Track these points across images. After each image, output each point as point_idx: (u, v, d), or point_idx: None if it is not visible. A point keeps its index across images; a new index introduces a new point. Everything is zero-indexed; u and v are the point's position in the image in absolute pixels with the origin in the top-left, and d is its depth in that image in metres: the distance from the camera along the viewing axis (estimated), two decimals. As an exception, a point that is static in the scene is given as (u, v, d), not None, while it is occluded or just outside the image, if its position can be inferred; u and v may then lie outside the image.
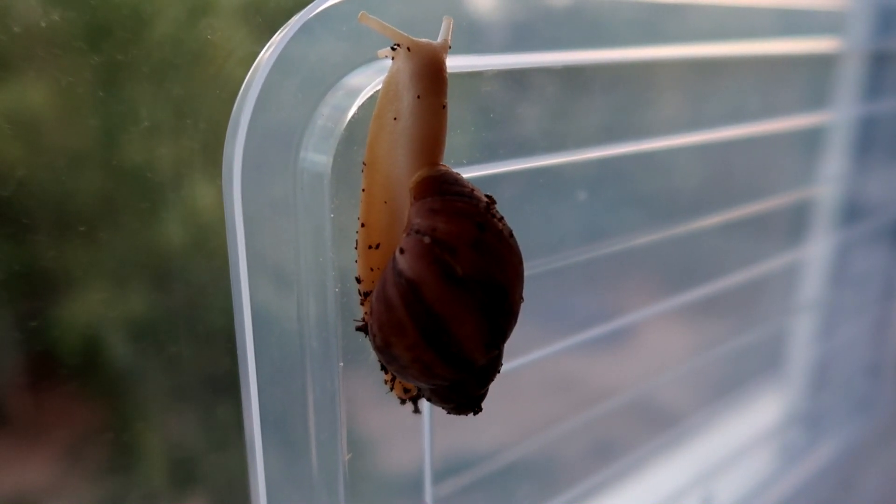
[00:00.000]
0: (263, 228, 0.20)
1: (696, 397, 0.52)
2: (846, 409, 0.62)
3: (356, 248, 0.20)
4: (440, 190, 0.19)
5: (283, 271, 0.21)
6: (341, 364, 0.21)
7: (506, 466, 0.35)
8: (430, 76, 0.19)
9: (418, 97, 0.19)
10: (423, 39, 0.19)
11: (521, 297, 0.19)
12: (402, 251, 0.18)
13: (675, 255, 0.41)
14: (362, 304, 0.21)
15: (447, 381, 0.19)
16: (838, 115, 0.50)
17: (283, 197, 0.21)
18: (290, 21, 0.20)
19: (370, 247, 0.20)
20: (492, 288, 0.18)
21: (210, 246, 0.38)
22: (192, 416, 0.42)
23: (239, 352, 0.21)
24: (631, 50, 0.31)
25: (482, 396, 0.20)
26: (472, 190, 0.19)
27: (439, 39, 0.20)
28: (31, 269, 0.36)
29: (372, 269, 0.20)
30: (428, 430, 0.25)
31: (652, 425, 0.49)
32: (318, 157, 0.21)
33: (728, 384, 0.54)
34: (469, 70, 0.24)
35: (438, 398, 0.19)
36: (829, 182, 0.54)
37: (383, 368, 0.22)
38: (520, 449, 0.35)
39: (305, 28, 0.19)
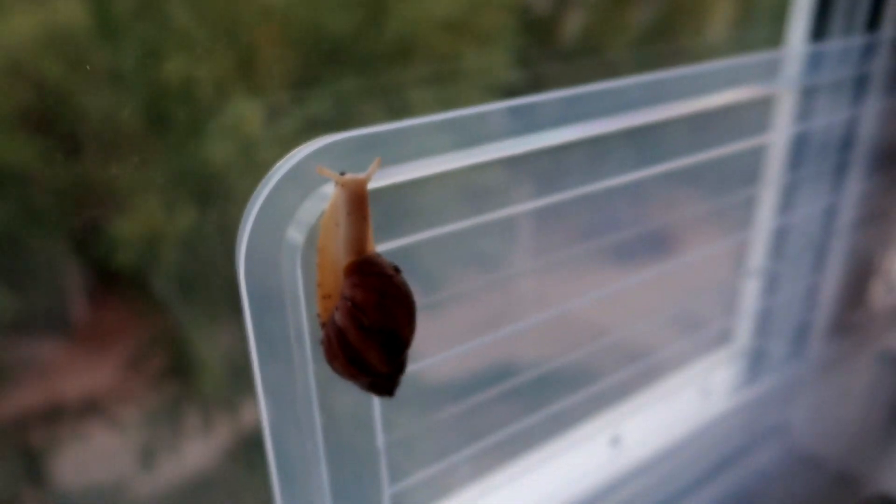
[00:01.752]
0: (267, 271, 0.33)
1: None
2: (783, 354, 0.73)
3: (317, 294, 0.34)
4: (359, 271, 0.31)
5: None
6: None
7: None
8: (354, 201, 0.31)
9: (348, 213, 0.31)
10: (350, 176, 0.31)
11: (413, 332, 0.32)
12: (337, 309, 0.31)
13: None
14: (322, 326, 0.34)
15: (367, 381, 0.32)
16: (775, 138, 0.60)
17: (275, 262, 0.33)
18: (289, 155, 0.32)
19: (325, 296, 0.33)
20: (388, 332, 0.31)
21: (253, 161, 0.39)
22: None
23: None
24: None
25: (393, 387, 0.33)
26: (382, 268, 0.32)
27: (364, 174, 0.32)
28: (85, 185, 0.37)
29: (327, 309, 0.33)
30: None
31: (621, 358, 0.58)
32: (297, 235, 0.33)
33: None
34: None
35: (367, 389, 0.33)
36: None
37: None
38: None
39: (293, 168, 0.32)
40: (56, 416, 0.41)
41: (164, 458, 0.45)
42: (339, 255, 0.32)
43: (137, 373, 0.42)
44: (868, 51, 0.59)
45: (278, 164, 0.33)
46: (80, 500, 0.43)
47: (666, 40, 0.56)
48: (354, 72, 0.41)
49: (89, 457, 0.43)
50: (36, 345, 0.39)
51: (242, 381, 0.39)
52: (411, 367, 0.34)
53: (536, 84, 0.51)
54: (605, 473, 0.60)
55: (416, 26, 0.44)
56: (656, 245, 0.61)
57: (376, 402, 0.39)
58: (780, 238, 0.68)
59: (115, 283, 0.40)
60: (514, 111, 0.39)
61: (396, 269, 0.32)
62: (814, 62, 0.56)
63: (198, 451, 0.46)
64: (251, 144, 0.37)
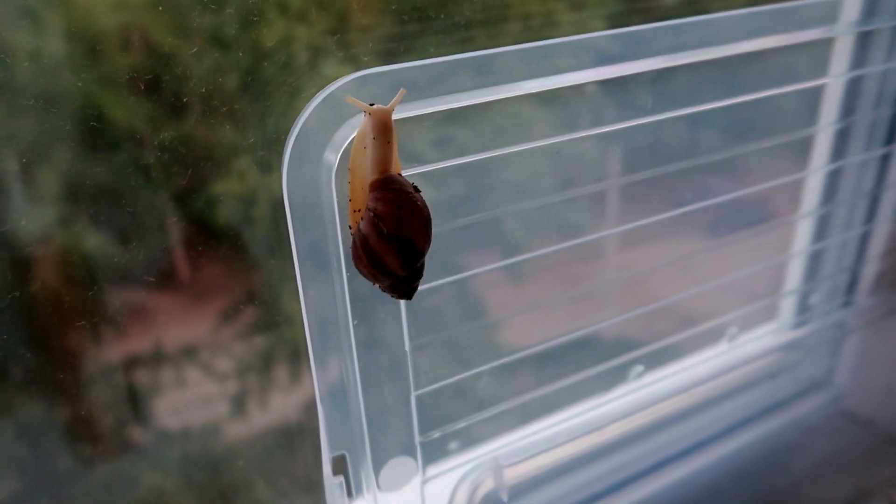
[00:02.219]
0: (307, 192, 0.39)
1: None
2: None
3: (349, 208, 0.39)
4: (382, 187, 0.36)
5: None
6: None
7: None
8: (379, 128, 0.36)
9: (374, 138, 0.36)
10: (377, 106, 0.36)
11: (427, 243, 0.37)
12: (363, 219, 0.37)
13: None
14: (351, 230, 0.39)
15: (388, 282, 0.38)
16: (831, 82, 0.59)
17: (314, 180, 0.39)
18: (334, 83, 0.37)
19: (355, 210, 0.38)
20: (404, 240, 0.36)
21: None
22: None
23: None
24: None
25: (412, 290, 0.38)
26: (402, 185, 0.36)
27: (389, 104, 0.36)
28: (187, 145, 0.39)
29: (355, 219, 0.38)
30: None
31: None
32: (330, 157, 0.39)
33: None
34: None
35: (388, 290, 0.38)
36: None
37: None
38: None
39: (329, 97, 0.37)
40: (158, 361, 0.44)
41: (253, 406, 0.48)
42: (366, 174, 0.37)
43: (231, 325, 0.45)
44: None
45: (317, 94, 0.38)
46: (178, 439, 0.47)
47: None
48: (445, 36, 0.42)
49: (186, 401, 0.46)
50: (140, 294, 0.41)
51: (329, 337, 0.43)
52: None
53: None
54: (638, 418, 0.62)
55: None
56: (746, 212, 0.62)
57: (403, 312, 0.45)
58: (832, 185, 0.68)
59: (213, 238, 0.42)
60: (562, 47, 0.42)
61: (415, 188, 0.37)
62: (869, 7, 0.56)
63: (284, 401, 0.49)
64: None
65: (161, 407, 0.46)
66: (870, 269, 0.71)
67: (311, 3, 0.37)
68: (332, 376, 0.42)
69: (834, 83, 0.62)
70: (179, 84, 0.37)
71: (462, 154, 0.43)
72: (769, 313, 0.72)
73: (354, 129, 0.38)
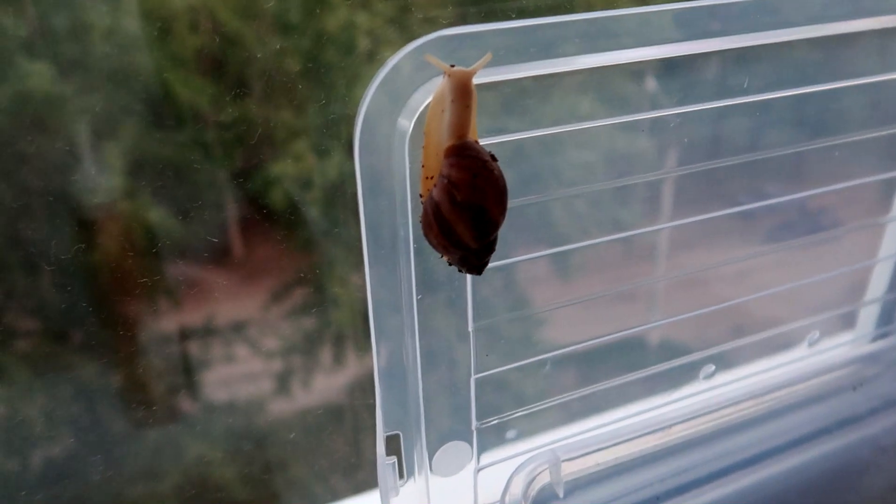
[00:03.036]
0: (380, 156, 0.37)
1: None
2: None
3: (420, 175, 0.38)
4: (457, 153, 0.35)
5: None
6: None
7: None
8: (459, 90, 0.35)
9: (452, 101, 0.35)
10: (458, 68, 0.35)
11: (502, 214, 0.35)
12: (435, 186, 0.35)
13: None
14: (422, 197, 0.37)
15: (458, 255, 0.36)
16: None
17: (387, 146, 0.38)
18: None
19: (427, 177, 0.37)
20: (477, 208, 0.34)
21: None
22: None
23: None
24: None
25: (482, 265, 0.37)
26: (479, 152, 0.35)
27: (472, 67, 0.35)
28: (248, 125, 0.39)
29: (427, 186, 0.37)
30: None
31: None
32: (404, 122, 0.37)
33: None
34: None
35: (457, 263, 0.37)
36: None
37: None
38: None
39: (406, 58, 0.36)
40: (210, 336, 0.45)
41: (298, 385, 0.49)
42: (441, 138, 0.35)
43: (280, 305, 0.46)
44: None
45: (393, 56, 0.36)
46: (224, 412, 0.48)
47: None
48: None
49: (234, 376, 0.47)
50: (197, 269, 0.43)
51: (392, 313, 0.42)
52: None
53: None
54: (703, 421, 0.59)
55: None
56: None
57: (469, 286, 0.43)
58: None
59: (269, 219, 0.43)
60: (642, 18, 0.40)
61: (493, 157, 0.36)
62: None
63: (327, 382, 0.50)
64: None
65: (210, 379, 0.47)
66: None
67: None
68: (392, 352, 0.41)
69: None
70: (244, 67, 0.38)
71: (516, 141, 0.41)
72: (847, 322, 0.68)
73: (430, 94, 0.36)
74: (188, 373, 0.46)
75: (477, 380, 0.45)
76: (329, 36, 0.39)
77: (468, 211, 0.34)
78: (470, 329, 0.43)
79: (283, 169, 0.41)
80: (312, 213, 0.43)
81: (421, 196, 0.37)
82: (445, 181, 0.34)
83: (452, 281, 0.42)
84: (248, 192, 0.41)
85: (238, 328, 0.46)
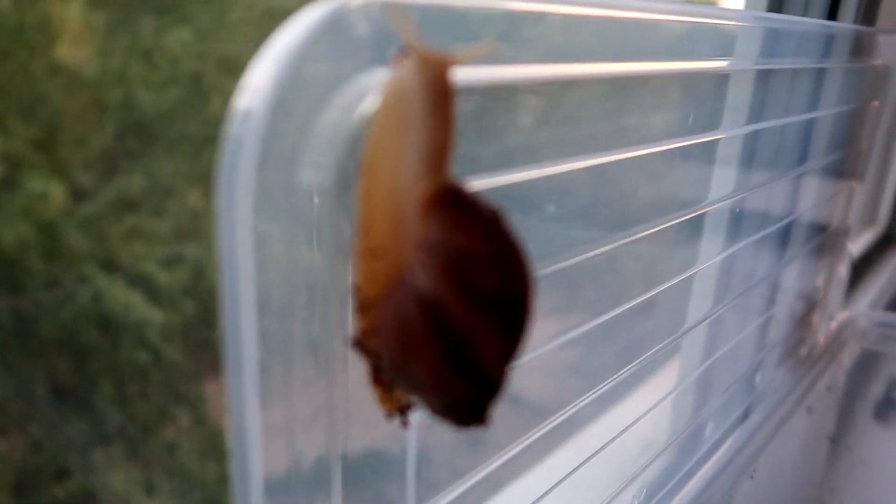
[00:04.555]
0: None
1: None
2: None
3: (354, 254, 0.20)
4: (455, 203, 0.18)
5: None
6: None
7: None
8: (437, 89, 0.18)
9: (428, 107, 0.18)
10: (435, 50, 0.19)
11: (534, 310, 0.19)
12: (420, 268, 0.18)
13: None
14: (361, 315, 0.20)
15: (462, 398, 0.18)
16: (728, 132, 0.55)
17: (277, 217, 0.19)
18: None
19: (372, 253, 0.19)
20: (512, 304, 0.18)
21: (56, 243, 0.36)
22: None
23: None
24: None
25: (490, 407, 0.20)
26: (484, 203, 0.19)
27: (459, 54, 0.19)
28: None
29: (375, 277, 0.19)
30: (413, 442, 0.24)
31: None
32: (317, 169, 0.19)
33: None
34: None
35: (449, 414, 0.19)
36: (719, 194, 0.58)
37: (375, 382, 0.21)
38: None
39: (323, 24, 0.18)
40: None
41: None
42: (404, 177, 0.18)
43: None
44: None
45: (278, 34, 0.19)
46: None
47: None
48: (171, 150, 0.40)
49: None
50: None
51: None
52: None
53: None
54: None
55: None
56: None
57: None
58: None
59: None
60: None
61: (496, 208, 0.20)
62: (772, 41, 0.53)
63: None
64: (52, 225, 0.31)
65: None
66: None
67: (13, 110, 0.39)
68: None
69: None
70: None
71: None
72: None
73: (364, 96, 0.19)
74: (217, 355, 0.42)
75: None
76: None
77: (499, 309, 0.17)
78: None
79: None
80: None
81: (358, 289, 0.19)
82: (447, 256, 0.17)
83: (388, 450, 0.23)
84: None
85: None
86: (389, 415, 0.22)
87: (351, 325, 0.20)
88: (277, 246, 0.19)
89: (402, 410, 0.22)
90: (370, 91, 0.19)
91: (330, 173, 0.19)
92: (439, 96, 0.19)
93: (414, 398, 0.20)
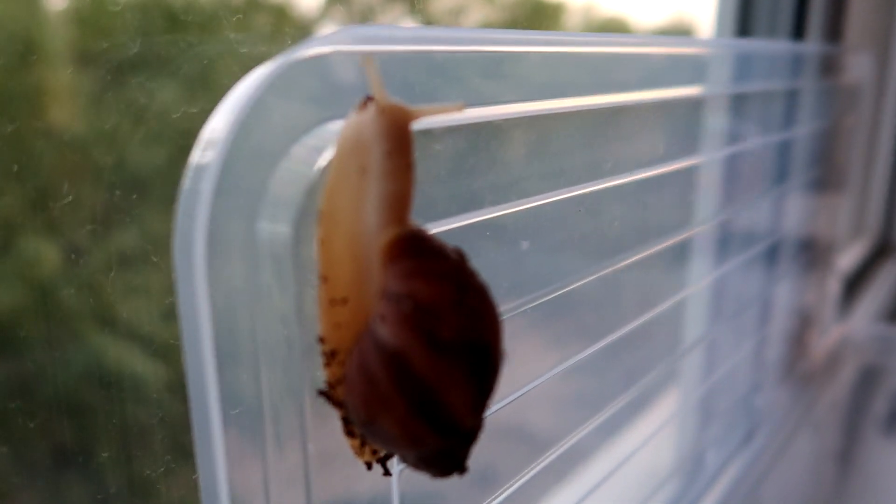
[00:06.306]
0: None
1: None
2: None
3: (317, 304, 0.19)
4: (415, 251, 0.18)
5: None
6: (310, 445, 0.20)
7: None
8: (397, 136, 0.18)
9: (388, 153, 0.18)
10: (396, 101, 0.19)
11: (503, 352, 0.19)
12: (381, 319, 0.17)
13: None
14: (326, 365, 0.20)
15: (436, 449, 0.18)
16: (707, 156, 0.55)
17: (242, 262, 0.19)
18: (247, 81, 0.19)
19: (335, 302, 0.19)
20: (478, 350, 0.18)
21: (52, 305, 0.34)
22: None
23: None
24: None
25: (467, 454, 0.19)
26: (446, 248, 0.19)
27: (421, 107, 0.19)
28: None
29: (339, 327, 0.19)
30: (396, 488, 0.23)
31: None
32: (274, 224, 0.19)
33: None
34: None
35: (425, 465, 0.19)
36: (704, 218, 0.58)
37: (349, 434, 0.20)
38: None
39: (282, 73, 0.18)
40: None
41: None
42: (365, 225, 0.18)
43: None
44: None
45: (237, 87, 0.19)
46: None
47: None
48: (166, 204, 0.39)
49: None
50: None
51: None
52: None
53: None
54: None
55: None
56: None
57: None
58: None
59: None
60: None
61: (461, 254, 0.19)
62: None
63: None
64: (47, 287, 0.34)
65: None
66: None
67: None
68: None
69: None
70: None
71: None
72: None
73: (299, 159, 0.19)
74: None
75: None
76: None
77: (464, 356, 0.17)
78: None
79: None
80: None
81: (322, 341, 0.19)
82: (409, 306, 0.17)
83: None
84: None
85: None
86: (369, 466, 0.21)
87: (321, 375, 0.20)
88: (240, 297, 0.19)
89: (381, 461, 0.21)
90: (328, 141, 0.19)
91: (288, 224, 0.19)
92: (398, 143, 0.19)
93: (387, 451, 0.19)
